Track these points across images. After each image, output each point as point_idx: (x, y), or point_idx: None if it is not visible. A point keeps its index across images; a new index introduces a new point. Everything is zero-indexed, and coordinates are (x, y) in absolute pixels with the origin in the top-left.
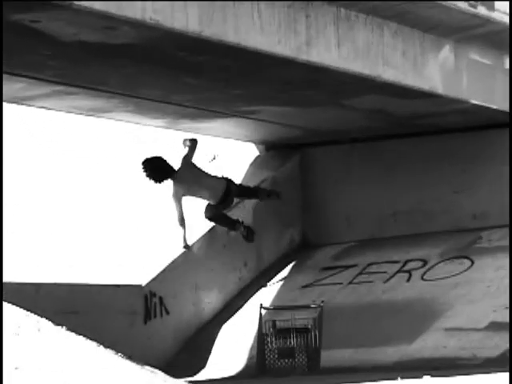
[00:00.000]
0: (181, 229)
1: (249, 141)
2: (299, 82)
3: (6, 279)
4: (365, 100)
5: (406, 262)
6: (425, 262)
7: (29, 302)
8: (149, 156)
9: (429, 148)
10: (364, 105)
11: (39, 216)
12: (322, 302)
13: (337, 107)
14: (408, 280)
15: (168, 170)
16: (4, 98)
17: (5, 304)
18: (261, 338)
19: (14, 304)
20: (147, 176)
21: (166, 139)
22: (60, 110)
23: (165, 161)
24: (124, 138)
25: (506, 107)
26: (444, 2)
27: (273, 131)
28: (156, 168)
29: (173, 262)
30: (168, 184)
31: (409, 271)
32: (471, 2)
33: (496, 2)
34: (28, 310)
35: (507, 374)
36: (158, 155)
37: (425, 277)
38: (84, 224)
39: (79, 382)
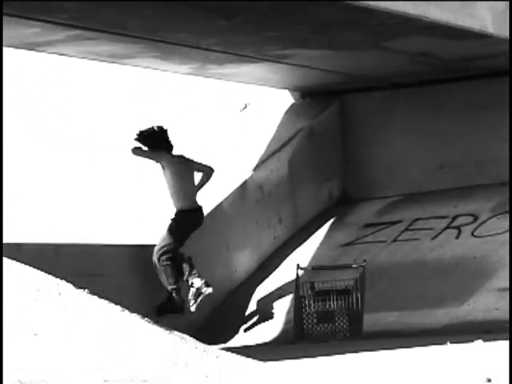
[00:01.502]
0: None
1: (283, 87)
2: (337, 22)
3: (23, 240)
4: (409, 42)
5: (454, 218)
6: (475, 217)
7: (48, 265)
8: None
9: (479, 93)
10: (408, 47)
11: (43, 206)
12: (364, 261)
13: (379, 50)
14: (457, 237)
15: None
16: (16, 44)
17: (23, 267)
18: (298, 301)
19: (32, 266)
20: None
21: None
22: (76, 56)
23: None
24: (125, 129)
25: None
26: None
27: (309, 77)
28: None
29: None
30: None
31: (458, 227)
32: None
33: None
34: (48, 273)
35: None
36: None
37: (475, 233)
38: (99, 193)
39: (103, 348)
